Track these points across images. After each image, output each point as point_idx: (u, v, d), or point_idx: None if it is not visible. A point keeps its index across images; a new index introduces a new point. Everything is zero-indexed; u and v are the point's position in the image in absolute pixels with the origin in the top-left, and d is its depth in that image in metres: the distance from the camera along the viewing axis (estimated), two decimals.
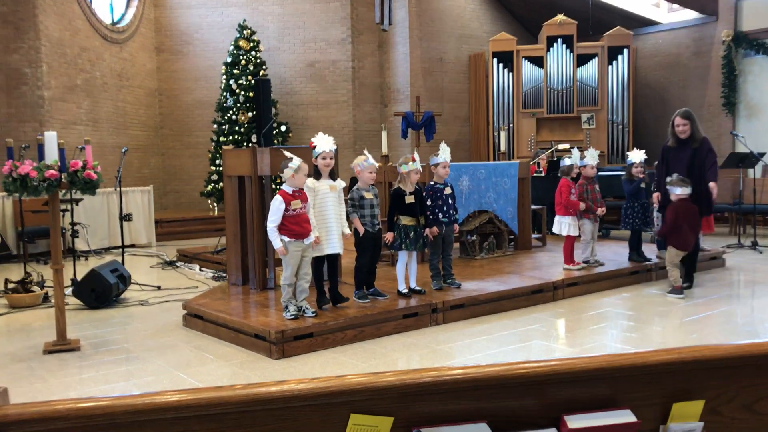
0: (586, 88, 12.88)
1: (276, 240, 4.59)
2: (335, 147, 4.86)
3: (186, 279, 7.38)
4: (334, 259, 4.99)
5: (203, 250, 8.51)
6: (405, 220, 5.29)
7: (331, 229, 4.81)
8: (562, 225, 6.47)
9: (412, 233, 5.26)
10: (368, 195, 5.09)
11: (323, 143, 4.82)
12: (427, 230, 5.46)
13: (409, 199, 5.28)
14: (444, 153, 5.69)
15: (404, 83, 13.38)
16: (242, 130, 12.32)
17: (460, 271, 6.44)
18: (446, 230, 5.70)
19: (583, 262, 6.65)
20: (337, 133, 13.14)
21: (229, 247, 6.22)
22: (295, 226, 4.61)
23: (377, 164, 5.22)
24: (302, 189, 4.69)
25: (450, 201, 5.73)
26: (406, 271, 5.41)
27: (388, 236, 5.26)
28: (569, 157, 6.55)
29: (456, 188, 6.80)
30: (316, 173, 4.85)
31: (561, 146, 12.28)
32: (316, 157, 4.83)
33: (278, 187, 9.54)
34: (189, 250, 8.71)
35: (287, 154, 4.71)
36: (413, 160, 5.26)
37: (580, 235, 6.69)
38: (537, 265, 6.84)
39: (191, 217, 11.95)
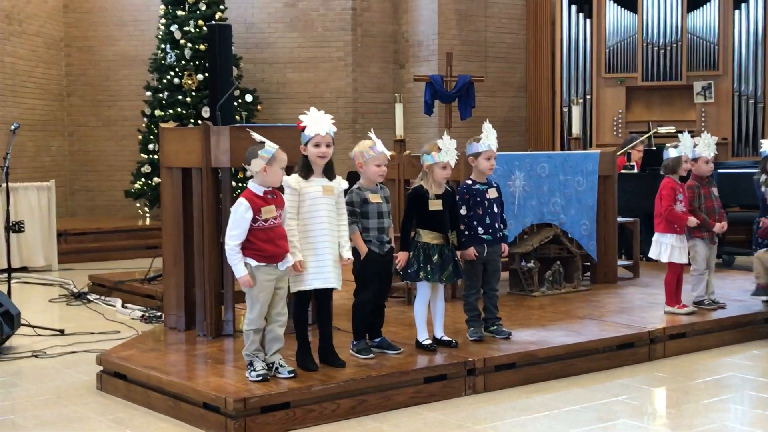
0: (701, 43, 12.91)
1: (238, 265, 4.59)
2: (334, 130, 4.90)
3: (102, 320, 7.39)
4: (326, 297, 4.99)
5: (128, 278, 8.53)
6: (427, 237, 5.29)
7: (324, 250, 4.82)
8: (664, 247, 6.46)
9: (436, 256, 5.27)
10: (375, 198, 5.10)
11: (317, 123, 4.84)
12: (460, 252, 5.46)
13: (435, 205, 5.29)
14: (488, 138, 5.71)
15: (429, 33, 13.47)
16: (189, 100, 12.42)
17: (510, 314, 6.43)
18: (489, 253, 5.69)
19: (695, 303, 6.64)
20: (330, 106, 13.21)
21: (167, 274, 6.22)
22: (267, 244, 4.62)
23: (389, 153, 5.23)
24: (277, 189, 4.71)
25: (495, 209, 5.73)
26: (428, 312, 5.40)
27: (401, 259, 5.26)
28: (676, 146, 6.53)
29: (505, 190, 6.80)
30: (304, 168, 4.86)
31: (663, 129, 12.32)
32: (306, 144, 4.85)
33: (243, 185, 9.57)
34: (107, 277, 8.74)
35: (256, 136, 4.74)
36: (440, 149, 5.28)
37: (690, 263, 6.67)
38: (625, 307, 6.80)
39: (111, 228, 12.02)
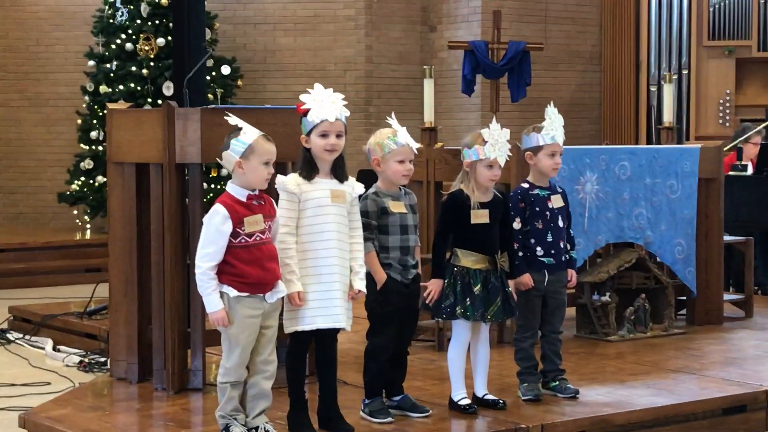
0: None
1: (211, 295, 4.60)
2: (347, 114, 4.92)
3: (27, 366, 7.39)
4: (330, 340, 5.00)
5: (62, 311, 8.54)
6: (467, 259, 5.30)
7: (331, 277, 4.83)
8: None
9: (479, 286, 5.27)
10: (397, 207, 5.11)
11: (325, 106, 4.87)
12: (512, 282, 5.45)
13: (479, 217, 5.29)
14: (552, 127, 5.70)
15: None
16: (146, 72, 12.45)
17: (578, 366, 6.40)
18: (551, 282, 5.69)
19: None
20: (335, 82, 13.20)
21: (114, 306, 6.22)
22: (251, 267, 4.63)
23: (416, 146, 5.24)
24: (263, 192, 4.72)
25: (561, 223, 5.73)
26: (467, 362, 5.40)
27: (433, 290, 5.27)
28: None
29: (572, 197, 6.78)
30: (306, 165, 4.88)
31: None
32: (309, 133, 4.88)
33: (220, 188, 9.63)
34: (34, 310, 8.75)
35: (233, 120, 4.75)
36: (486, 141, 5.29)
37: None
38: (734, 357, 6.77)
39: (39, 243, 12.03)
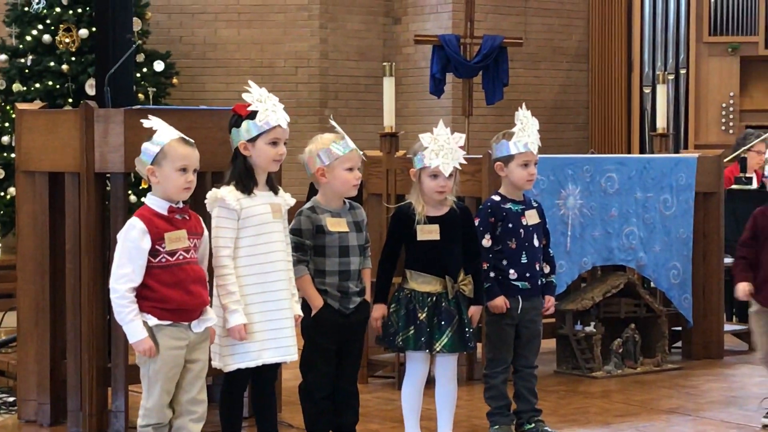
0: None
1: (132, 323, 4.59)
2: (288, 120, 4.98)
3: None
4: (270, 376, 5.04)
5: None
6: (415, 281, 5.34)
7: (279, 303, 4.90)
8: None
9: (425, 312, 5.29)
10: (336, 225, 5.12)
11: (277, 110, 4.93)
12: (474, 309, 5.46)
13: (426, 233, 5.32)
14: (525, 133, 5.74)
15: None
16: (66, 68, 12.38)
17: (558, 405, 6.43)
18: (524, 309, 5.72)
19: None
20: (286, 80, 13.26)
21: (23, 338, 6.20)
22: (174, 290, 4.62)
23: (360, 154, 5.24)
24: (187, 206, 4.72)
25: (536, 242, 5.76)
26: (423, 398, 5.43)
27: (375, 316, 5.29)
28: None
29: (552, 213, 6.82)
30: (245, 176, 4.90)
31: None
32: (254, 139, 4.90)
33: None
34: None
35: (148, 122, 4.75)
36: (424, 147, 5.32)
37: None
38: (735, 396, 6.82)
39: None
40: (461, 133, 5.46)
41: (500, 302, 5.58)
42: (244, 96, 4.93)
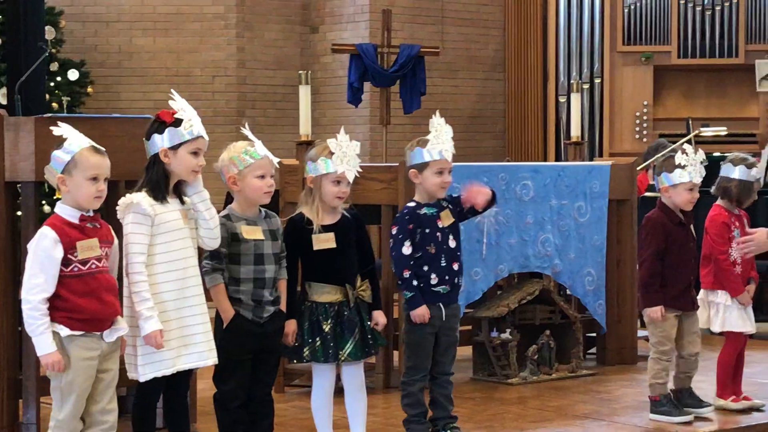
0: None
1: (43, 335, 4.54)
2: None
3: None
4: (182, 384, 5.02)
5: None
6: (316, 293, 5.37)
7: (194, 309, 4.89)
8: (716, 310, 6.53)
9: (329, 322, 5.32)
10: (251, 232, 5.12)
11: (198, 120, 4.92)
12: (377, 313, 5.49)
13: (322, 242, 5.34)
14: (438, 140, 5.76)
15: None
16: None
17: (474, 411, 6.44)
18: (446, 316, 5.74)
19: None
20: (203, 89, 13.19)
21: None
22: (86, 299, 4.58)
23: (273, 161, 5.26)
24: (97, 214, 4.69)
25: (451, 243, 5.79)
26: (333, 407, 5.48)
27: (289, 330, 5.32)
28: (751, 164, 6.48)
29: (469, 222, 6.80)
30: (159, 184, 4.88)
31: (709, 131, 12.44)
32: (176, 147, 4.88)
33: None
34: None
35: (59, 130, 4.70)
36: (332, 153, 5.34)
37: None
38: (648, 401, 6.84)
39: None
40: (358, 141, 5.49)
41: (422, 311, 5.58)
42: (171, 103, 4.91)
